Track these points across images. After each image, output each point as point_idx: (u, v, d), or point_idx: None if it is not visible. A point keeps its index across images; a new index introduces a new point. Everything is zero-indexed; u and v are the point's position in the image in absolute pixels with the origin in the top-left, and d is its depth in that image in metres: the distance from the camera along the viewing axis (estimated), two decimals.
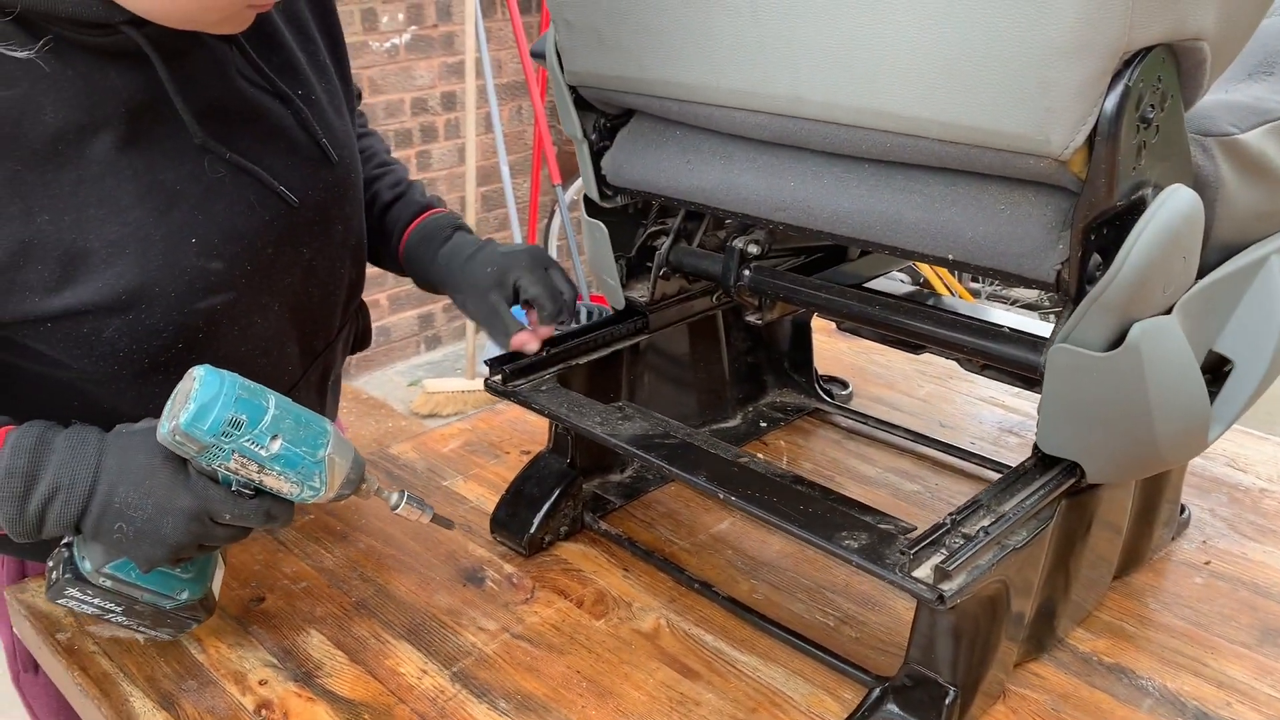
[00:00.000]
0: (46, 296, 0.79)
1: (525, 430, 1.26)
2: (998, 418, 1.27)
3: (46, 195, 0.78)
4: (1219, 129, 0.78)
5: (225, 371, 0.76)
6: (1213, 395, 0.83)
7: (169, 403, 0.75)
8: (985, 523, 0.74)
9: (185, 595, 0.84)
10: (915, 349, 1.11)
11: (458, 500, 1.12)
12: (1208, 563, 1.00)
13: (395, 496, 0.86)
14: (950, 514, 0.74)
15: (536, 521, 1.01)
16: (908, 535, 0.73)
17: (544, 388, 0.99)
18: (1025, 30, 0.64)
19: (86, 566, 0.81)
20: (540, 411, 0.96)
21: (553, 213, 3.81)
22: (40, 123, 0.76)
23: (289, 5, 0.96)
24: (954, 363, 1.36)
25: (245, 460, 0.75)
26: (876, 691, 0.81)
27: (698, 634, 0.91)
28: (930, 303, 0.97)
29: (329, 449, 0.79)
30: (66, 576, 0.81)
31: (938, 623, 0.77)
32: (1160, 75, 0.67)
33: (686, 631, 0.91)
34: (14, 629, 0.97)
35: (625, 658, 0.88)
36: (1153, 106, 0.67)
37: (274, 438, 0.76)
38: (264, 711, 0.82)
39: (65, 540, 0.82)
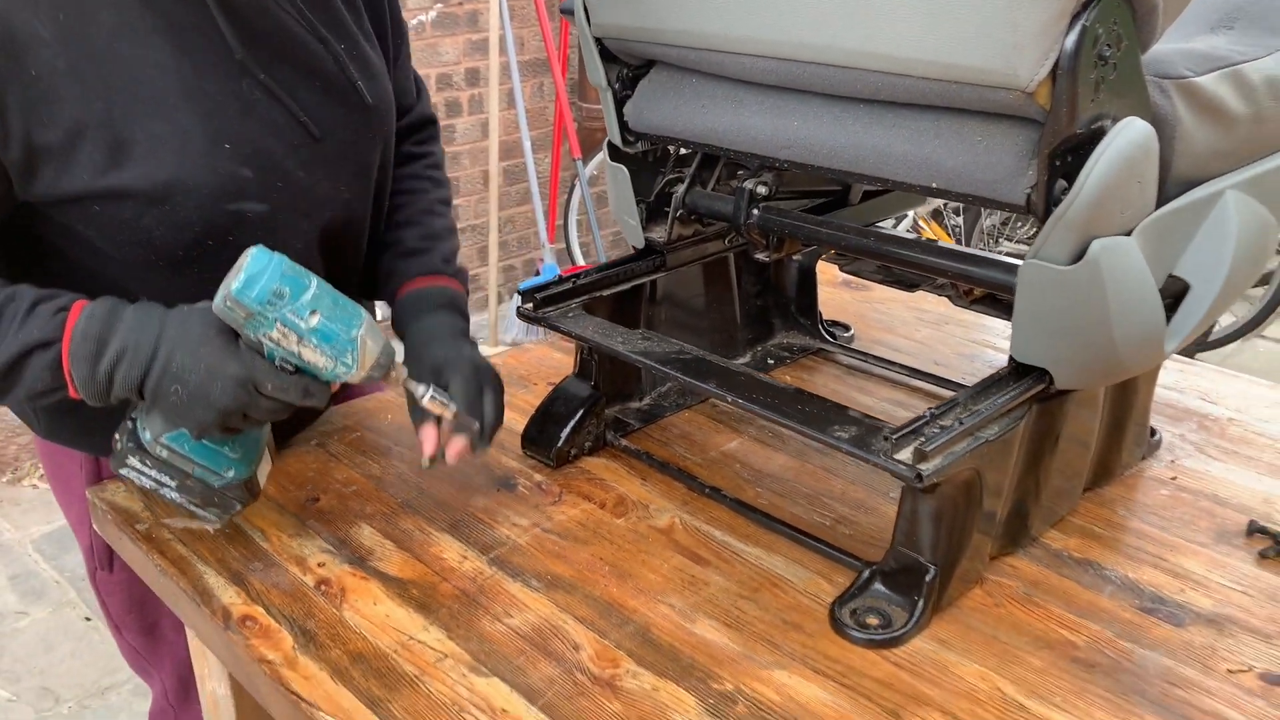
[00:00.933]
0: (95, 177, 0.89)
1: (552, 365, 1.37)
2: (988, 357, 1.37)
3: (102, 85, 0.88)
4: (1176, 72, 0.87)
5: (275, 251, 0.86)
6: (1171, 313, 0.93)
7: (225, 279, 0.85)
8: (961, 416, 0.84)
9: (232, 474, 0.95)
10: (910, 286, 1.21)
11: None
12: (1174, 478, 1.10)
13: (422, 388, 0.94)
14: (930, 409, 0.84)
15: (563, 436, 1.12)
16: (892, 427, 0.83)
17: (570, 314, 1.10)
18: None
19: (146, 436, 0.92)
20: (568, 333, 1.06)
21: (573, 187, 3.91)
22: (97, 22, 0.87)
23: None
24: (948, 310, 1.47)
25: (286, 331, 0.85)
26: (866, 573, 0.91)
27: (708, 530, 1.01)
28: (921, 240, 1.07)
29: (362, 330, 0.88)
30: (129, 445, 0.92)
31: (920, 508, 0.87)
32: (1116, 18, 0.77)
33: (697, 528, 1.01)
34: (94, 525, 1.09)
35: (643, 548, 0.98)
36: (1109, 46, 0.77)
37: (313, 313, 0.85)
38: (323, 587, 0.93)
39: (130, 415, 0.93)
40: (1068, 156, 0.80)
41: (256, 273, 0.83)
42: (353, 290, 1.11)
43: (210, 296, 0.86)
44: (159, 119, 0.91)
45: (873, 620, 0.87)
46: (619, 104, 1.10)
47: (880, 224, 1.25)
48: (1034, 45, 0.75)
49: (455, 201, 3.81)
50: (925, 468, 0.79)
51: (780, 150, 0.97)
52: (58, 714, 2.10)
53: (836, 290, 1.59)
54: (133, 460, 0.94)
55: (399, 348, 1.00)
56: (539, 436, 1.13)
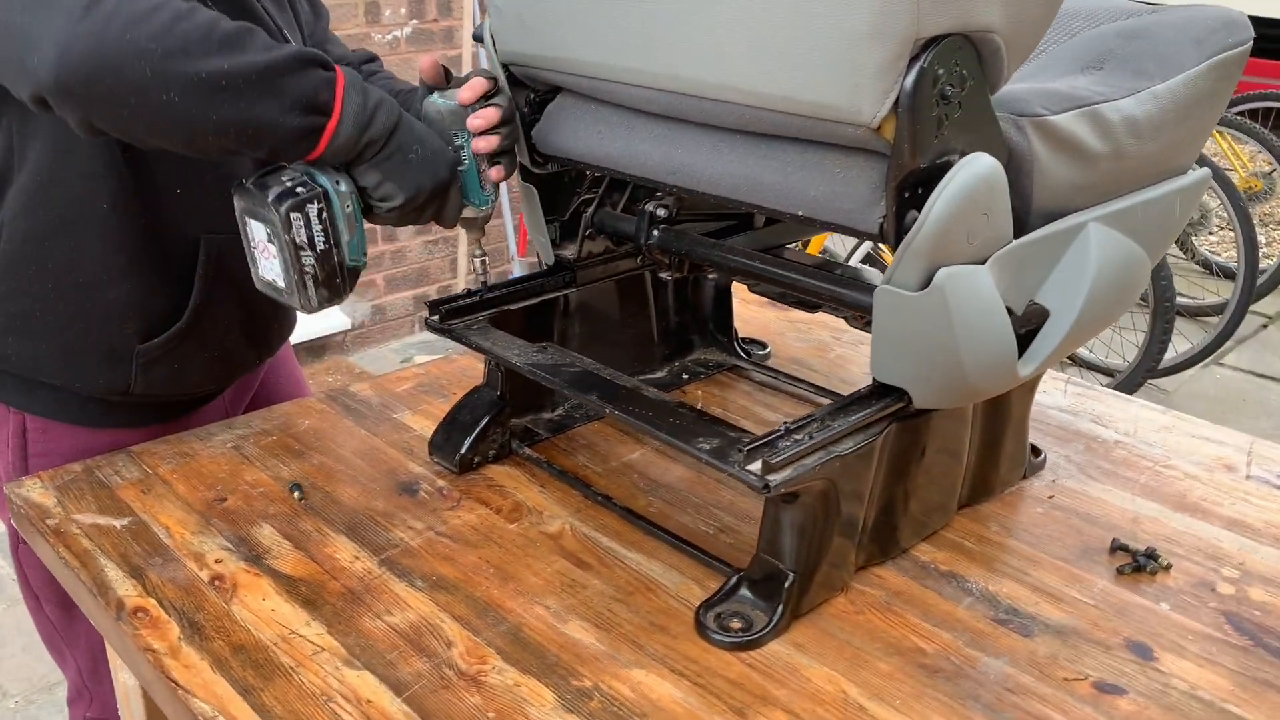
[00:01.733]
0: None
1: (474, 377, 1.41)
2: None
3: None
4: (1031, 110, 0.92)
5: None
6: (1031, 338, 0.98)
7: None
8: (814, 431, 0.88)
9: (363, 262, 1.02)
10: (811, 308, 1.26)
11: (404, 429, 1.27)
12: (1051, 497, 1.14)
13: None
14: (785, 423, 0.89)
15: (467, 444, 1.16)
16: (746, 439, 0.88)
17: (475, 327, 1.14)
18: (835, 18, 0.78)
19: (340, 188, 0.98)
20: (469, 345, 1.11)
21: None
22: None
23: None
24: (863, 332, 1.51)
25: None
26: (734, 579, 0.96)
27: (595, 536, 1.06)
28: (802, 260, 1.11)
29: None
30: (315, 190, 0.96)
31: (780, 517, 0.92)
32: (958, 60, 0.82)
33: (586, 534, 1.06)
34: (11, 519, 1.13)
35: (530, 552, 1.03)
36: (952, 85, 0.82)
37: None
38: (216, 582, 0.97)
39: (306, 172, 0.97)
40: (917, 189, 0.85)
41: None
42: None
43: None
44: None
45: (736, 624, 0.92)
46: (527, 128, 1.15)
47: (787, 242, 1.30)
48: (874, 84, 0.80)
49: None
50: (773, 479, 0.84)
51: (668, 176, 1.02)
52: (4, 709, 2.13)
53: (762, 309, 1.64)
54: (311, 208, 0.96)
55: None
56: (444, 444, 1.18)
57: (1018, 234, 0.93)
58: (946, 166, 0.84)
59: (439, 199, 1.04)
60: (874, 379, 0.95)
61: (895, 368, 0.92)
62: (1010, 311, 0.94)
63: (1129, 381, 3.33)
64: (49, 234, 1.05)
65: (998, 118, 0.88)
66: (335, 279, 1.01)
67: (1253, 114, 4.67)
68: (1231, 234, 3.70)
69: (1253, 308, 4.25)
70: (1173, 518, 1.11)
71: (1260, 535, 1.08)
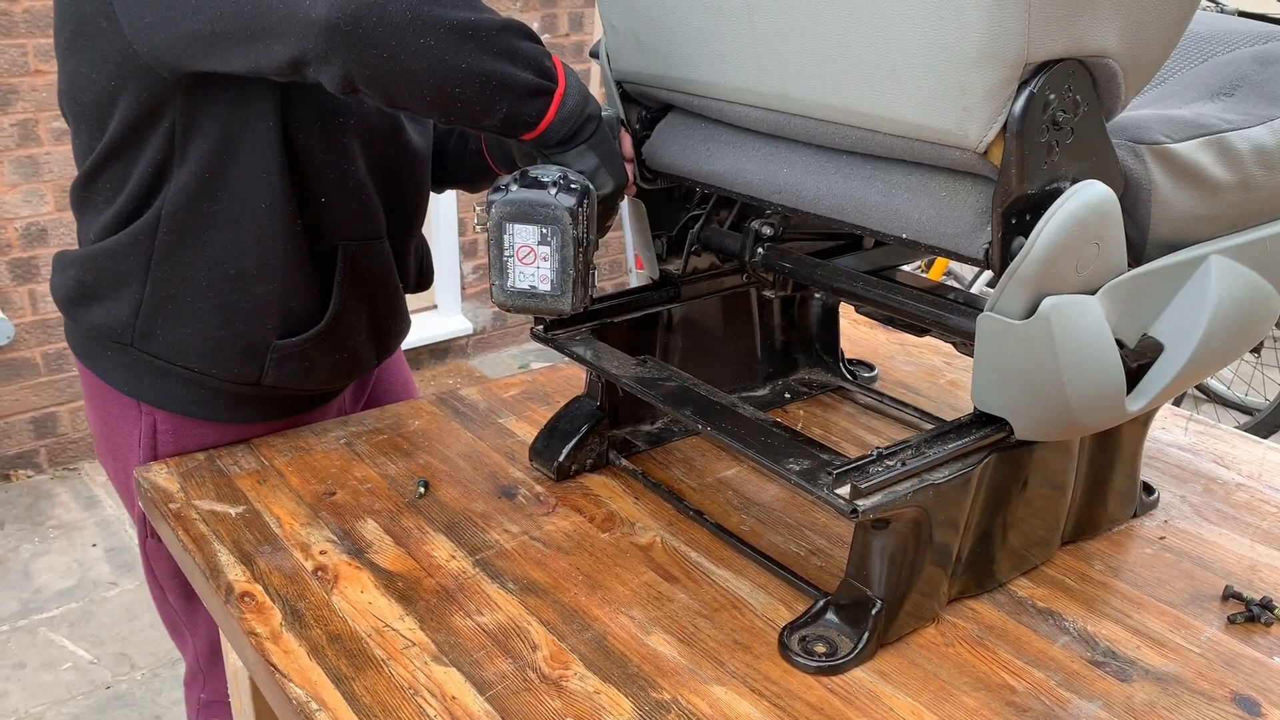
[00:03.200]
0: None
1: (578, 386, 1.44)
2: None
3: None
4: (1151, 138, 0.89)
5: None
6: (1143, 373, 0.94)
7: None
8: (907, 458, 0.87)
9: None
10: (920, 332, 1.24)
11: (508, 434, 1.30)
12: (1162, 538, 1.10)
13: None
14: (879, 448, 0.88)
15: (565, 452, 1.18)
16: (838, 462, 0.87)
17: (579, 338, 1.17)
18: (944, 40, 0.77)
19: (588, 182, 0.99)
20: (569, 355, 1.13)
21: None
22: None
23: None
24: None
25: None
26: (820, 603, 0.95)
27: (685, 550, 1.06)
28: (908, 283, 1.10)
29: None
30: (584, 185, 0.99)
31: (869, 544, 0.91)
32: (1071, 85, 0.80)
33: (676, 547, 1.07)
34: (139, 502, 1.20)
35: (620, 562, 1.04)
36: (1064, 111, 0.80)
37: None
38: (319, 573, 1.01)
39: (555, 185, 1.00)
40: (1025, 215, 0.83)
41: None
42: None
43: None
44: None
45: (820, 648, 0.91)
46: (638, 143, 1.17)
47: (896, 265, 1.28)
48: (982, 107, 0.78)
49: None
50: (862, 504, 0.83)
51: (772, 195, 1.02)
52: (132, 679, 2.26)
53: (872, 331, 1.62)
54: (587, 201, 0.98)
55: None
56: (544, 451, 1.20)
57: (1133, 264, 0.90)
58: (1056, 193, 0.82)
59: (622, 195, 1.06)
60: (975, 407, 0.93)
61: (997, 397, 0.90)
62: (1121, 344, 0.91)
63: (1269, 422, 3.16)
64: (209, 227, 1.10)
65: (1114, 145, 0.86)
66: (592, 273, 1.02)
67: None
68: None
69: None
70: None
71: None
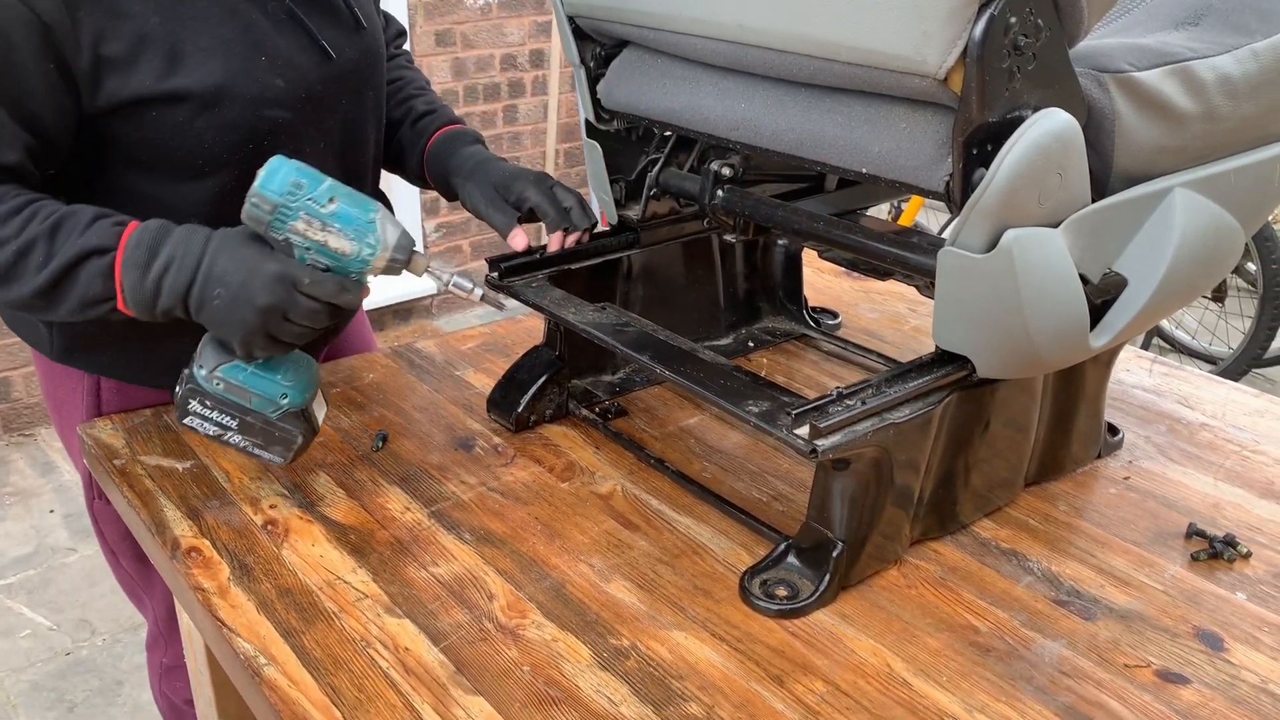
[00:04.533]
0: (156, 82, 0.98)
1: (538, 337, 1.40)
2: None
3: (157, 3, 0.97)
4: (1115, 66, 0.87)
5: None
6: (1107, 308, 0.93)
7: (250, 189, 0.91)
8: (867, 396, 0.85)
9: (287, 400, 0.96)
10: (882, 275, 1.22)
11: (465, 386, 1.27)
12: (1127, 478, 1.09)
13: (446, 275, 0.97)
14: (838, 388, 0.86)
15: (524, 402, 1.16)
16: (797, 403, 0.85)
17: (534, 284, 1.14)
18: None
19: (202, 374, 0.95)
20: (525, 301, 1.10)
21: None
22: None
23: None
24: None
25: (310, 219, 0.90)
26: (782, 546, 0.93)
27: (646, 498, 1.04)
28: (869, 223, 1.08)
29: (379, 214, 0.93)
30: (189, 389, 0.95)
31: (830, 485, 0.89)
32: (1032, 8, 0.77)
33: (636, 495, 1.05)
34: (84, 459, 1.16)
35: (579, 511, 1.02)
36: (1025, 36, 0.78)
37: (331, 199, 0.90)
38: (269, 527, 0.99)
39: (187, 367, 0.97)
40: (986, 145, 0.81)
41: (275, 168, 0.90)
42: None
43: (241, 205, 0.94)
44: (206, 33, 1.00)
45: (781, 591, 0.89)
46: (592, 82, 1.13)
47: (860, 206, 1.26)
48: (941, 32, 0.76)
49: None
50: (821, 444, 0.81)
51: (730, 131, 0.99)
52: (92, 645, 2.22)
53: (837, 279, 1.60)
54: (193, 405, 0.95)
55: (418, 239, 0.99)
56: (502, 401, 1.17)
57: (1097, 197, 0.88)
58: (1018, 121, 0.80)
59: (277, 318, 0.92)
60: (936, 346, 0.92)
61: (958, 334, 0.89)
62: (1085, 279, 0.89)
63: (1232, 370, 3.18)
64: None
65: (1077, 73, 0.84)
66: (275, 433, 0.97)
67: None
68: None
69: None
70: (1257, 504, 1.05)
71: None
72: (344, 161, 1.17)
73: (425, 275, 0.96)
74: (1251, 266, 3.19)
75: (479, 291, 0.98)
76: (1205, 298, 3.39)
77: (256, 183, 0.89)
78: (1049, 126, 0.80)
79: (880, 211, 3.63)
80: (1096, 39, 0.96)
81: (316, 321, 0.93)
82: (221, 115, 1.02)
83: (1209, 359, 3.39)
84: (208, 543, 0.96)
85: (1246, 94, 0.93)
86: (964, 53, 0.76)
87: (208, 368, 0.95)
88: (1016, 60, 0.78)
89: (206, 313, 0.93)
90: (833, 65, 0.85)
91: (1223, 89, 0.92)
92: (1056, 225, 0.85)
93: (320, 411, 1.02)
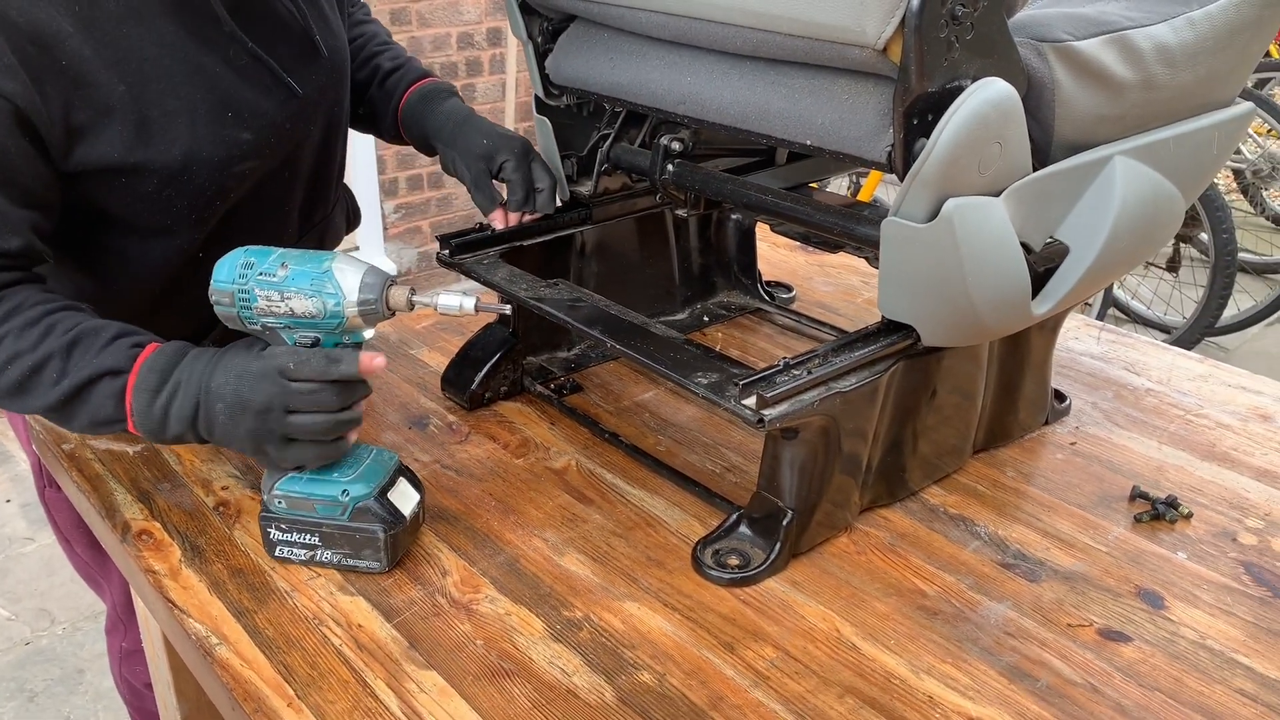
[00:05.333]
0: (124, 154, 0.95)
1: (493, 315, 1.40)
2: None
3: (119, 67, 0.93)
4: (1054, 35, 0.88)
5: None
6: (1050, 276, 0.94)
7: None
8: (813, 366, 0.86)
9: (349, 498, 0.88)
10: (833, 248, 1.23)
11: (419, 365, 1.27)
12: (1073, 444, 1.11)
13: (431, 299, 0.88)
14: (785, 358, 0.86)
15: (477, 380, 1.16)
16: (743, 374, 0.86)
17: (485, 261, 1.13)
18: None
19: (267, 498, 0.90)
20: (477, 279, 1.10)
21: None
22: (105, 9, 0.92)
23: None
24: None
25: (268, 293, 0.85)
26: (733, 516, 0.94)
27: (600, 472, 1.05)
28: (817, 197, 1.08)
29: (333, 262, 0.86)
30: (263, 516, 0.90)
31: (779, 454, 0.90)
32: None
33: (591, 470, 1.05)
34: (33, 444, 1.15)
35: (534, 486, 1.02)
36: (963, 6, 0.78)
37: (282, 265, 0.86)
38: (221, 509, 0.98)
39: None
40: (927, 115, 0.81)
41: (223, 261, 0.87)
42: (332, 210, 1.25)
43: (211, 255, 0.92)
44: (170, 95, 0.96)
45: (733, 561, 0.90)
46: (540, 57, 1.13)
47: (809, 180, 1.27)
48: (879, 2, 0.76)
49: None
50: (768, 413, 0.82)
51: (677, 105, 0.99)
52: (52, 634, 2.21)
53: (791, 254, 1.61)
54: (274, 534, 0.90)
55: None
56: (455, 379, 1.17)
57: (1038, 166, 0.89)
58: (957, 91, 0.81)
59: (275, 413, 0.86)
60: (882, 315, 0.93)
61: (903, 303, 0.90)
62: (1027, 247, 0.90)
63: (1186, 338, 3.24)
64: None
65: (1016, 42, 0.84)
66: (357, 534, 0.89)
67: None
68: None
69: None
70: (1199, 467, 1.07)
71: None
72: (309, 185, 1.16)
73: (416, 308, 0.88)
74: (1205, 237, 3.24)
75: (471, 303, 0.88)
76: (1159, 268, 3.44)
77: (210, 284, 0.87)
78: (988, 96, 0.80)
79: (840, 186, 3.65)
80: (1036, 9, 0.97)
81: (324, 405, 0.86)
82: (190, 183, 0.99)
83: (1164, 328, 3.44)
84: (159, 525, 0.95)
85: (1184, 62, 0.94)
86: (902, 22, 0.77)
87: (268, 489, 0.90)
88: (954, 30, 0.79)
89: (218, 433, 0.88)
90: (775, 37, 0.86)
91: (1160, 58, 0.93)
92: (998, 194, 0.86)
93: (409, 500, 0.92)
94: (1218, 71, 0.99)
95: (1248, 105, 1.06)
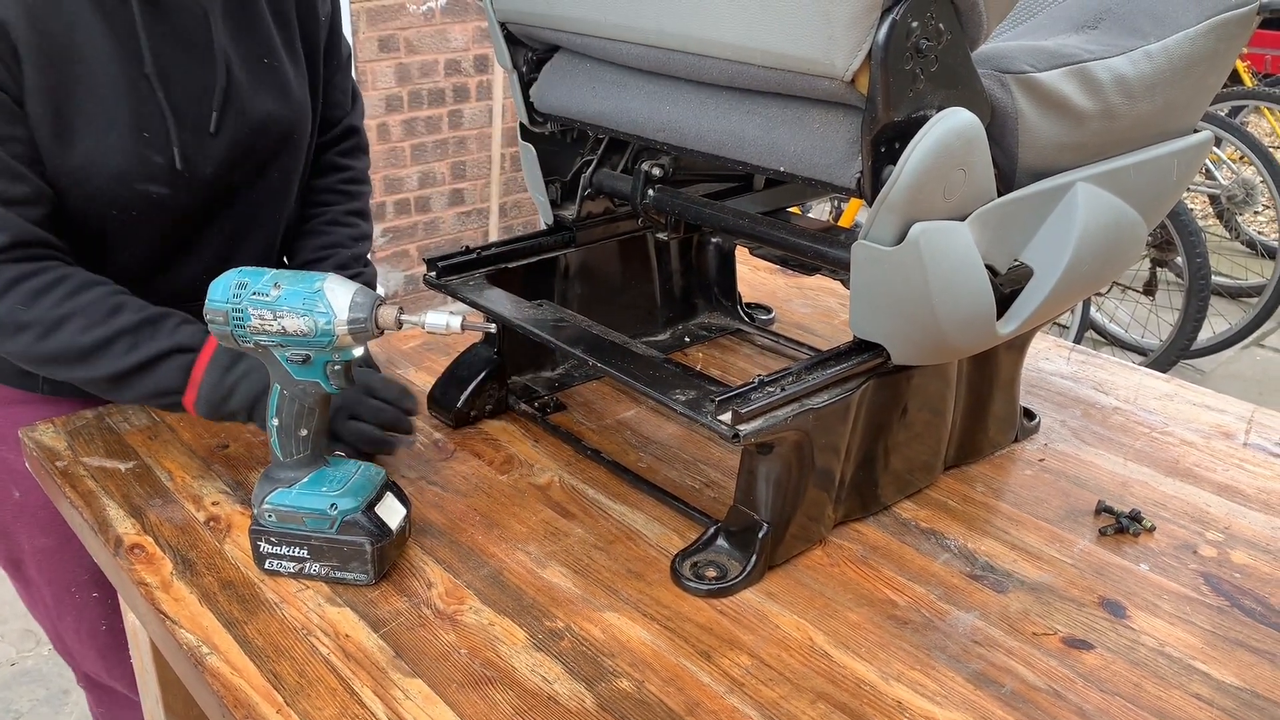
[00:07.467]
0: (58, 153, 1.05)
1: (479, 335, 1.43)
2: None
3: (61, 80, 1.02)
4: (1016, 67, 0.92)
5: None
6: (1015, 296, 0.98)
7: None
8: (787, 383, 0.89)
9: (338, 510, 0.91)
10: (809, 271, 1.27)
11: (407, 384, 1.29)
12: (1042, 460, 1.15)
13: (419, 319, 0.91)
14: (760, 375, 0.90)
15: (463, 398, 1.19)
16: (720, 390, 0.89)
17: (471, 283, 1.17)
18: None
19: (256, 511, 0.92)
20: (462, 300, 1.13)
21: None
22: (61, 13, 1.01)
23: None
24: None
25: (261, 312, 0.88)
26: (711, 530, 0.97)
27: (582, 488, 1.08)
28: (793, 220, 1.12)
29: (325, 282, 0.89)
30: (253, 529, 0.93)
31: (755, 469, 0.93)
32: (933, 13, 0.82)
33: (573, 486, 1.08)
34: (26, 463, 1.17)
35: (517, 502, 1.05)
36: (927, 39, 0.82)
37: (275, 285, 0.89)
38: (212, 523, 1.01)
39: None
40: (894, 143, 0.85)
41: (218, 281, 0.90)
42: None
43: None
44: (95, 102, 1.05)
45: (711, 573, 0.93)
46: (525, 86, 1.17)
47: (787, 205, 1.30)
48: (847, 36, 0.80)
49: (462, 185, 3.89)
50: (743, 429, 0.85)
51: (657, 133, 1.03)
52: (38, 654, 2.21)
53: (771, 276, 1.65)
54: (264, 547, 0.93)
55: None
56: (441, 398, 1.20)
57: (1003, 192, 0.93)
58: (922, 121, 0.84)
59: (341, 412, 1.06)
60: (853, 335, 0.96)
61: (873, 323, 0.93)
62: (993, 270, 0.94)
63: (1162, 361, 3.29)
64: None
65: (979, 74, 0.88)
66: (345, 547, 0.92)
67: None
68: None
69: None
70: (1163, 482, 1.11)
71: (1250, 500, 1.07)
72: (244, 240, 1.23)
73: (405, 326, 0.91)
74: (1181, 261, 3.30)
75: (458, 322, 0.91)
76: (1136, 291, 3.50)
77: (206, 302, 0.90)
78: (952, 125, 0.84)
79: (822, 212, 3.70)
80: (1000, 42, 1.02)
81: (383, 422, 1.08)
82: (106, 188, 1.07)
83: (1140, 351, 3.49)
84: (150, 539, 0.98)
85: (1142, 93, 0.99)
86: (869, 55, 0.81)
87: (258, 503, 0.93)
88: (919, 62, 0.83)
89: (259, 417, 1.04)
90: (750, 69, 0.90)
91: (1119, 88, 0.97)
92: (963, 218, 0.90)
93: (396, 514, 0.95)
94: (1175, 102, 1.03)
95: (1206, 133, 1.10)
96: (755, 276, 1.63)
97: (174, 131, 1.09)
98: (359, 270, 1.30)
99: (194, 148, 1.12)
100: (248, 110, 1.15)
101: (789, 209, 1.34)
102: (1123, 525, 1.02)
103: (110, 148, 1.05)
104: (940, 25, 0.83)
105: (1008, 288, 0.97)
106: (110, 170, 1.06)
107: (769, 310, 1.49)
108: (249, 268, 0.91)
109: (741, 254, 1.50)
